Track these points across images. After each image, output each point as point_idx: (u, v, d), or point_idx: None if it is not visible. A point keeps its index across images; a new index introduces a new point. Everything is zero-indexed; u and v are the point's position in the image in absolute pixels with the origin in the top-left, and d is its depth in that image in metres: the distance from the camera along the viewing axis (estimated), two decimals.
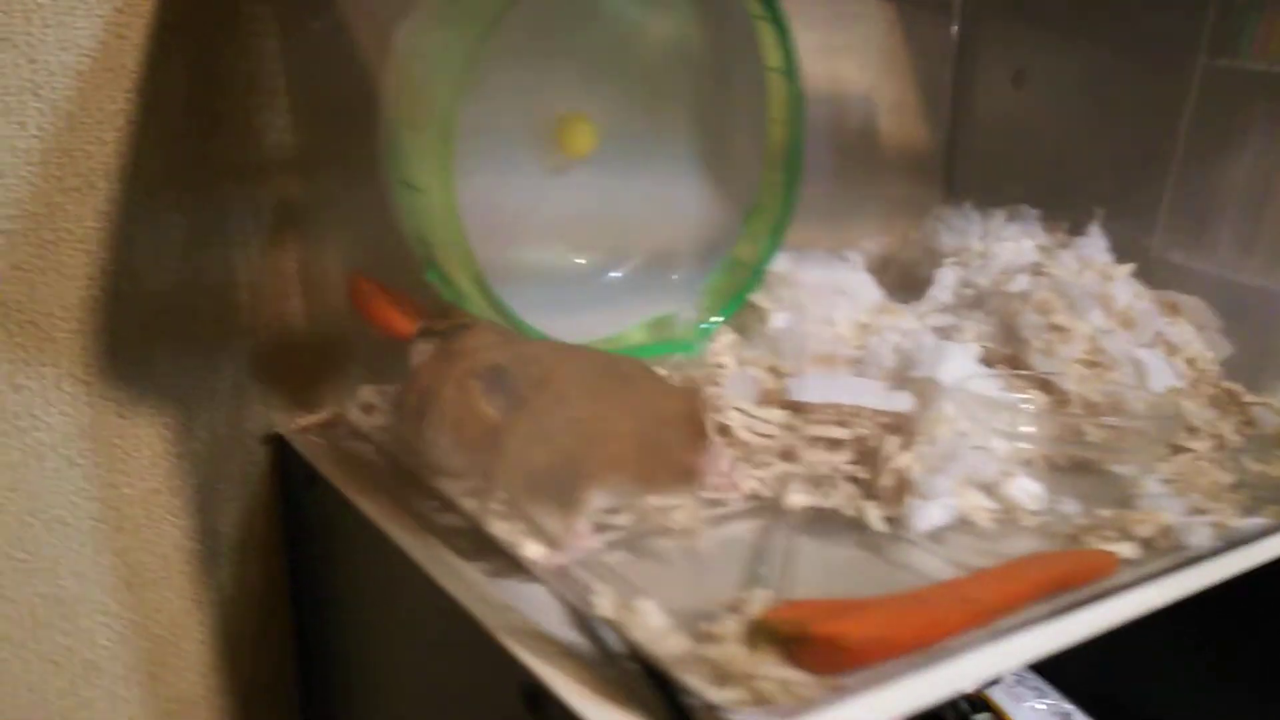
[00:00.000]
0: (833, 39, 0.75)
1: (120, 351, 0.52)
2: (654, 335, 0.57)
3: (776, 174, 0.57)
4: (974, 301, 0.63)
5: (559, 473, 0.39)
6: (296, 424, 0.56)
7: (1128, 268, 0.64)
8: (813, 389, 0.51)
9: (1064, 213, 0.73)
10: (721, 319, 0.57)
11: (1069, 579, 0.39)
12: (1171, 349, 0.62)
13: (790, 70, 0.55)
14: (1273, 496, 0.49)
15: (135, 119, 0.50)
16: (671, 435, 0.40)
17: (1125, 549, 0.42)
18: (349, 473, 0.50)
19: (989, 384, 0.52)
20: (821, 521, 0.45)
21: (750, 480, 0.47)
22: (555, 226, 0.57)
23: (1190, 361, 0.64)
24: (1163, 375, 0.60)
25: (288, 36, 0.53)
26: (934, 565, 0.42)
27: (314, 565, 0.57)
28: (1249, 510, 0.46)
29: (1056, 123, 0.80)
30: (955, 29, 0.84)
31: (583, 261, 0.58)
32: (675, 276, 0.60)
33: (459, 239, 0.47)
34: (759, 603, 0.35)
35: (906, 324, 0.57)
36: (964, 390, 0.49)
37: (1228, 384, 0.63)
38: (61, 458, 0.51)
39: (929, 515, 0.43)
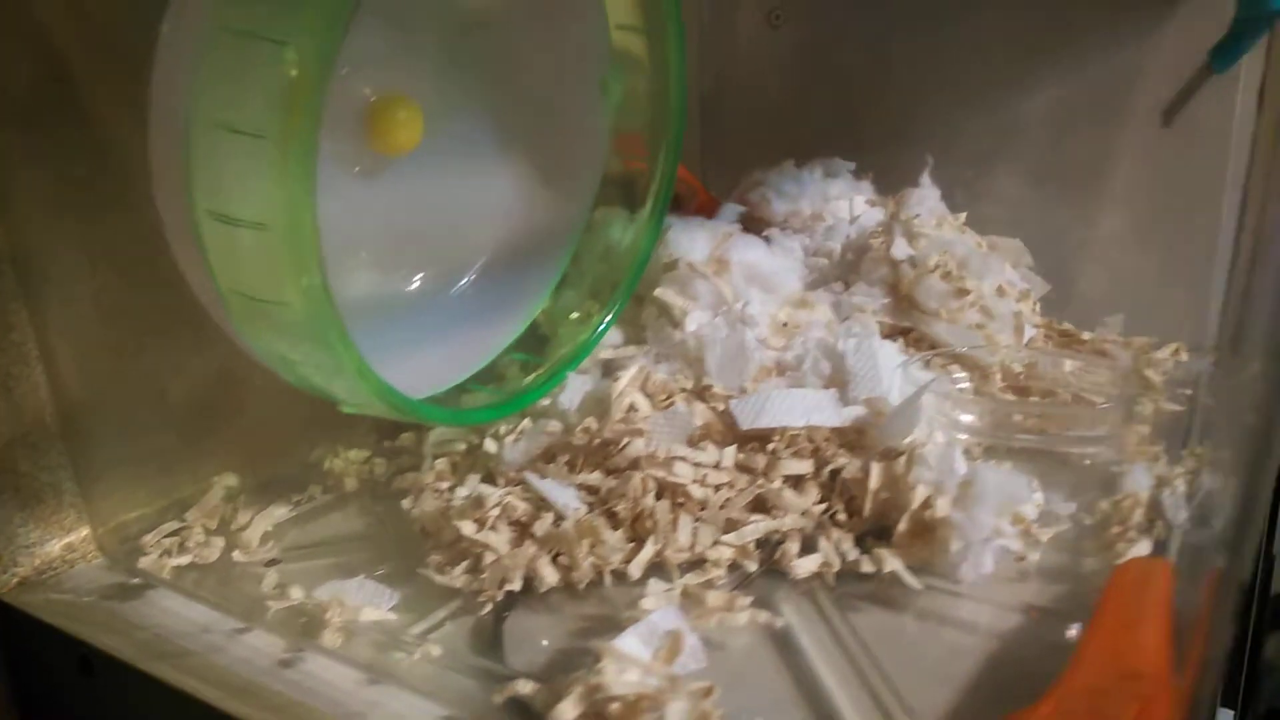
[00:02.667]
0: None
1: None
2: (516, 376, 0.45)
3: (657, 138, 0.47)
4: (837, 271, 0.56)
5: None
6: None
7: (961, 216, 0.61)
8: (756, 413, 0.42)
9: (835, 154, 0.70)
10: (604, 327, 0.46)
11: (1161, 602, 0.34)
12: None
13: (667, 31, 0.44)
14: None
15: None
16: None
17: (1144, 546, 0.38)
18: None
19: (928, 375, 0.46)
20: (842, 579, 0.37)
21: (724, 550, 0.38)
22: (373, 245, 0.43)
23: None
24: (1025, 324, 0.58)
25: None
26: (990, 617, 0.35)
27: None
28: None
29: (818, 62, 0.76)
30: None
31: (414, 286, 0.45)
32: (530, 283, 0.47)
33: (316, 286, 0.32)
34: None
35: (824, 315, 0.49)
36: (927, 393, 0.43)
37: (1059, 325, 0.62)
38: None
39: (980, 562, 0.36)
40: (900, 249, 0.53)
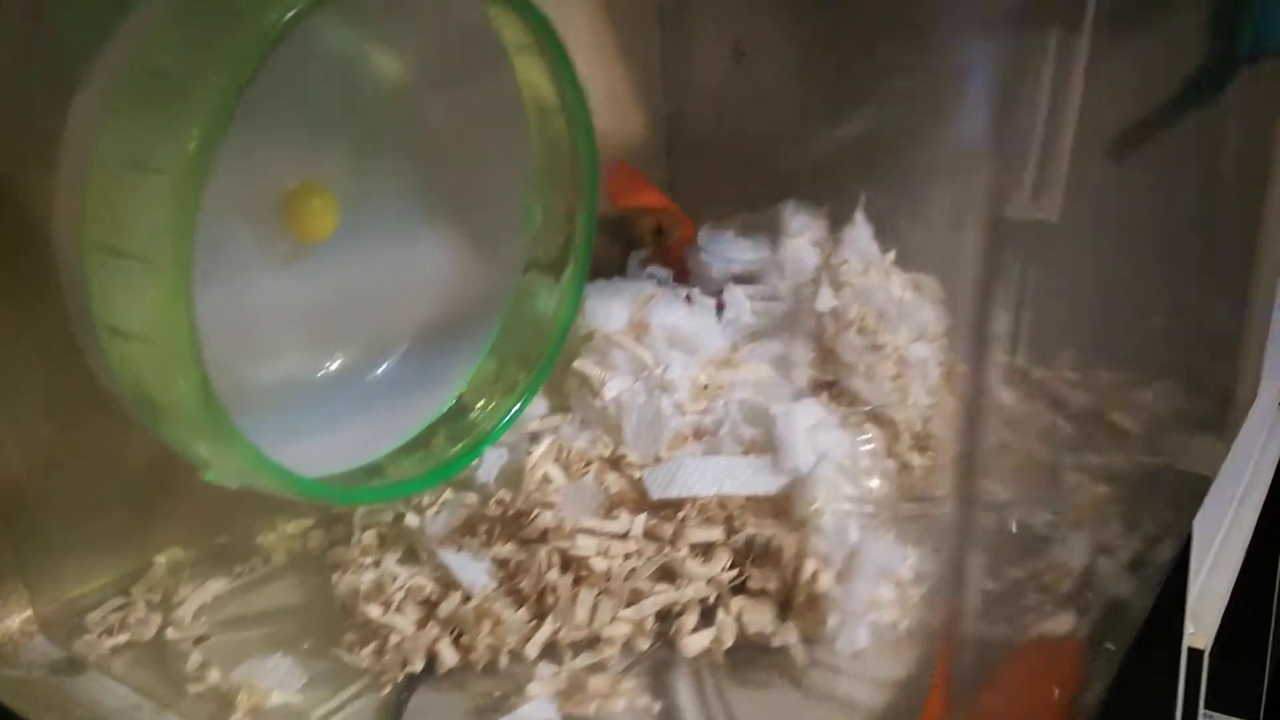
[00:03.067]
0: None
1: None
2: (443, 447, 0.46)
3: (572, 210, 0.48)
4: (783, 320, 0.57)
5: None
6: None
7: (890, 256, 0.62)
8: (667, 481, 0.43)
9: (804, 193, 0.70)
10: (523, 402, 0.48)
11: (1066, 686, 0.35)
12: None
13: (571, 102, 0.45)
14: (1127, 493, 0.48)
15: None
16: None
17: (1064, 621, 0.39)
18: None
19: (841, 441, 0.47)
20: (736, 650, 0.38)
21: (622, 627, 0.39)
22: (296, 328, 0.45)
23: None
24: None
25: None
26: (867, 695, 0.36)
27: None
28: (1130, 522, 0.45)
29: (783, 96, 0.76)
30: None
31: (336, 367, 0.46)
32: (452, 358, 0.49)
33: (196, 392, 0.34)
34: None
35: (750, 373, 0.50)
36: (828, 458, 0.43)
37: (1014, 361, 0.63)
38: None
39: (854, 637, 0.37)
40: (824, 301, 0.54)
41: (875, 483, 0.48)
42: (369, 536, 0.45)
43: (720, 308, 0.58)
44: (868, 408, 0.52)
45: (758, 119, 0.75)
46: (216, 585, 0.46)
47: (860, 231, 0.62)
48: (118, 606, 0.44)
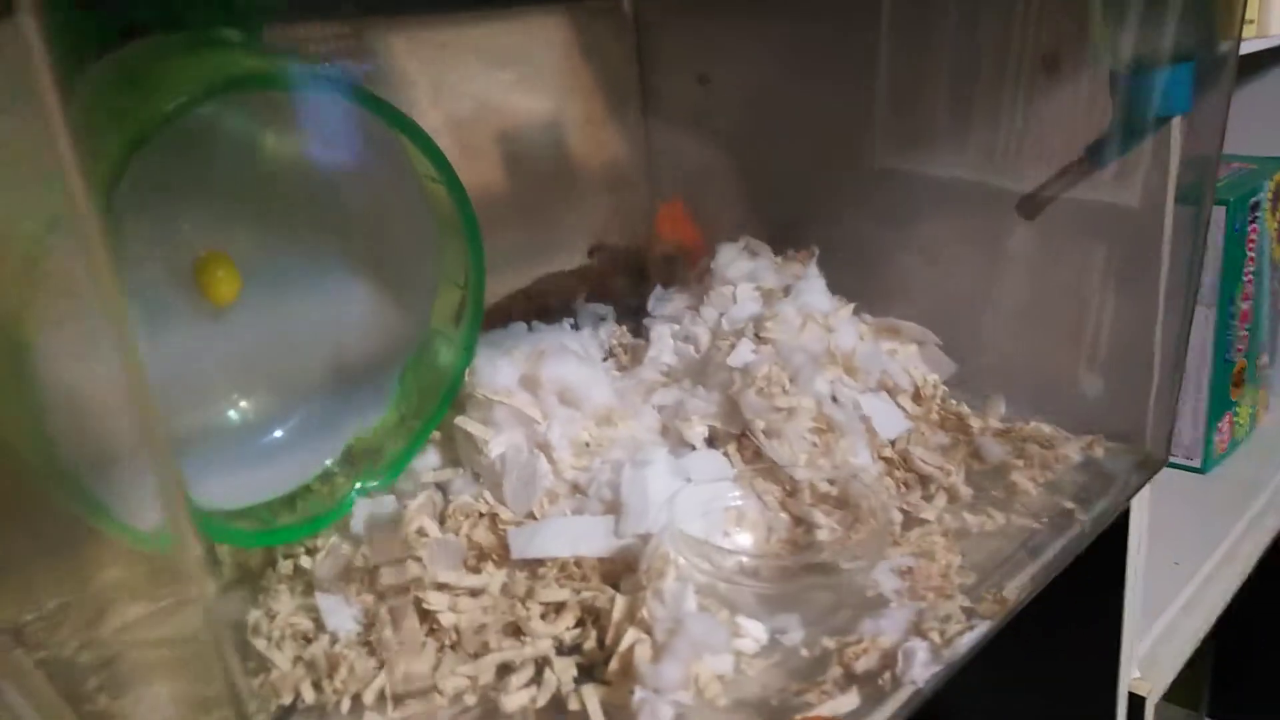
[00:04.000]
0: (503, 74, 0.69)
1: None
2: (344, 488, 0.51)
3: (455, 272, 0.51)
4: (698, 366, 0.59)
5: None
6: None
7: (848, 309, 0.63)
8: (527, 542, 0.46)
9: (768, 220, 0.72)
10: (406, 454, 0.51)
11: None
12: (894, 387, 0.62)
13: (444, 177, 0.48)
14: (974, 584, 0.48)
15: None
16: None
17: (846, 702, 0.40)
18: None
19: (698, 503, 0.49)
20: (553, 709, 0.41)
21: (456, 680, 0.42)
22: (215, 376, 0.50)
23: (918, 390, 0.63)
24: (892, 422, 0.59)
25: None
26: None
27: None
28: (970, 613, 0.46)
29: (748, 125, 0.77)
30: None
31: (247, 414, 0.51)
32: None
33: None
34: None
35: (631, 431, 0.53)
36: (675, 527, 0.46)
37: (955, 406, 0.63)
38: None
39: (660, 714, 0.39)
40: (739, 356, 0.56)
41: (746, 540, 0.51)
42: (286, 567, 0.50)
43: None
44: (764, 464, 0.54)
45: (723, 145, 0.77)
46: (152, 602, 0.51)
47: (812, 283, 0.64)
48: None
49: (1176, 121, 0.54)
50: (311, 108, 0.46)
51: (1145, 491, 0.61)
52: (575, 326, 0.65)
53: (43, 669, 0.47)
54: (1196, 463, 0.87)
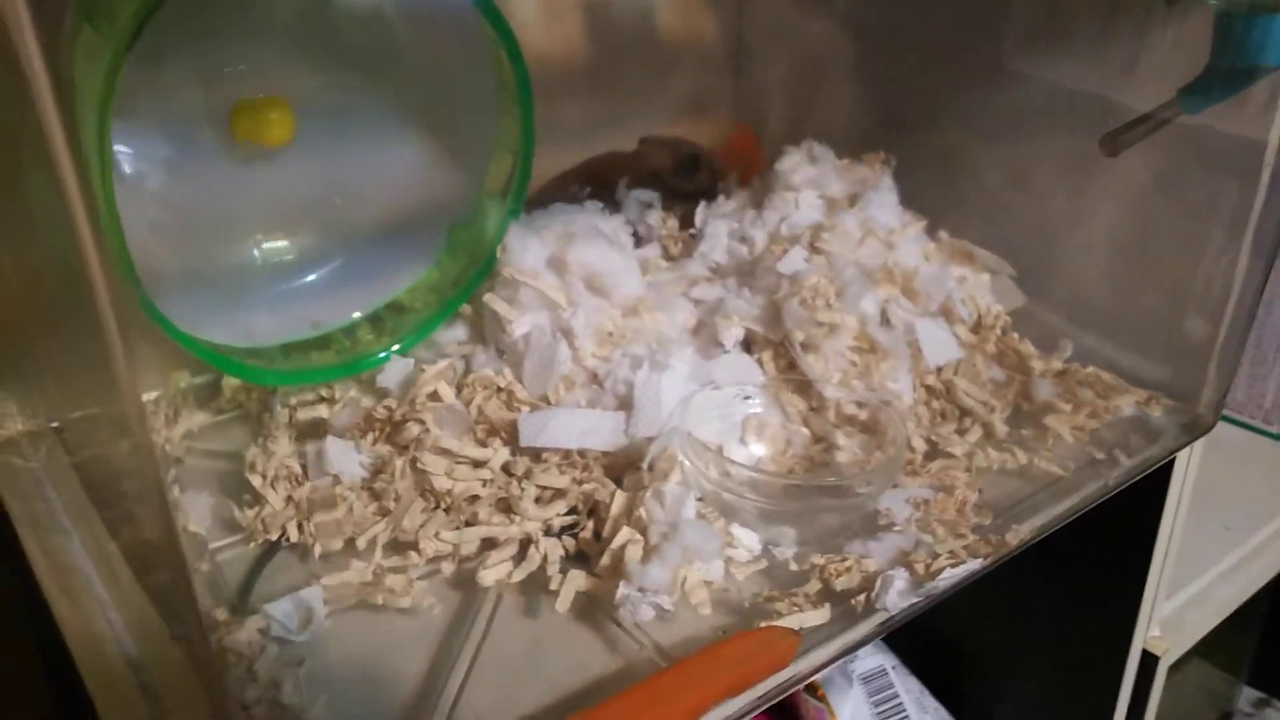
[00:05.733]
0: None
1: None
2: (357, 344, 0.51)
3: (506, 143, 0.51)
4: (748, 267, 0.58)
5: None
6: None
7: (918, 227, 0.60)
8: (537, 430, 0.47)
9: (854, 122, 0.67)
10: (437, 319, 0.52)
11: (748, 678, 0.38)
12: (954, 314, 0.59)
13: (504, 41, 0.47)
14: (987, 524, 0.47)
15: None
16: None
17: (815, 616, 0.41)
18: None
19: (716, 407, 0.49)
20: (532, 587, 0.43)
21: (437, 544, 0.44)
22: (254, 219, 0.51)
23: (980, 320, 0.61)
24: (943, 349, 0.57)
25: None
26: (632, 654, 0.40)
27: None
28: (972, 551, 0.45)
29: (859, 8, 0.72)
30: None
31: (284, 253, 0.52)
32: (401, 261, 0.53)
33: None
34: None
35: (658, 325, 0.52)
36: (685, 430, 0.46)
37: (1017, 342, 0.60)
38: None
39: (640, 612, 0.40)
40: (789, 263, 0.54)
41: (762, 451, 0.51)
42: (283, 415, 0.50)
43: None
44: (798, 378, 0.53)
45: (830, 30, 0.72)
46: (200, 417, 0.53)
47: (883, 196, 0.61)
48: None
49: None
50: None
51: (1196, 452, 0.58)
52: (618, 209, 0.63)
53: (78, 472, 0.50)
54: (1276, 429, 0.83)
